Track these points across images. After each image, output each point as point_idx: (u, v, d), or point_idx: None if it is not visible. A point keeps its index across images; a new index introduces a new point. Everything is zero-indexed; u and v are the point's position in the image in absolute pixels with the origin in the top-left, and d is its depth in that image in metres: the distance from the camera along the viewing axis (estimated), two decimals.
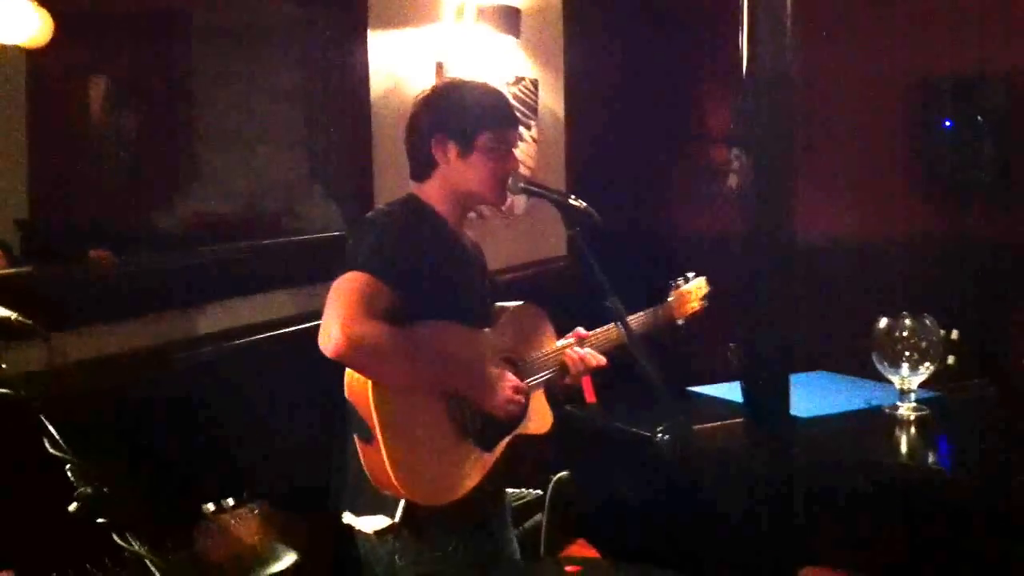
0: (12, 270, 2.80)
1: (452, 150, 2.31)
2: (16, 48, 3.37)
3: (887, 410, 3.13)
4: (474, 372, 2.23)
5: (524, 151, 4.42)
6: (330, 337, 2.01)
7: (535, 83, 4.46)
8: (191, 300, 2.98)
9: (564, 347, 2.50)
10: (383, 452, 2.08)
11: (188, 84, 3.75)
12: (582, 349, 2.48)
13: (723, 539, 2.84)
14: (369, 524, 2.23)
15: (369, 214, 2.31)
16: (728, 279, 4.44)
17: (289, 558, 2.55)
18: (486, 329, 2.35)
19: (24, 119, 3.83)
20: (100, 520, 1.33)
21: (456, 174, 2.32)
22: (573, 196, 2.33)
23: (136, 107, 3.94)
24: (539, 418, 2.41)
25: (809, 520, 2.86)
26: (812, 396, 3.40)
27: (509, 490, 3.41)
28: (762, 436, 2.87)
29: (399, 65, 3.71)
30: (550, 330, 2.50)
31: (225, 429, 2.70)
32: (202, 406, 2.67)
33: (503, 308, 2.44)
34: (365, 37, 3.50)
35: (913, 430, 3.07)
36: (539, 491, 3.41)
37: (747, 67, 2.81)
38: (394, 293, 2.10)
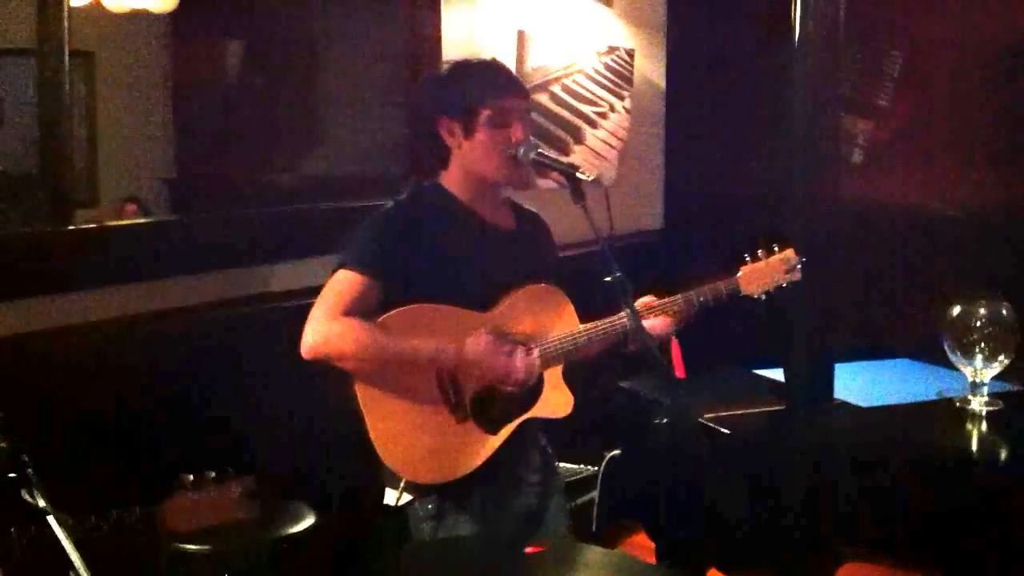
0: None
1: (458, 131, 2.29)
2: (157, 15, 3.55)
3: (957, 403, 2.96)
4: (449, 352, 2.21)
5: (616, 121, 4.36)
6: (304, 342, 2.17)
7: (631, 52, 4.37)
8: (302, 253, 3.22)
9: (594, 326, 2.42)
10: (369, 432, 2.12)
11: (311, 46, 3.86)
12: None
13: (764, 527, 2.76)
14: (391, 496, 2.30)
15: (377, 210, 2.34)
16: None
17: (308, 519, 2.61)
18: (491, 311, 2.32)
19: (169, 84, 4.02)
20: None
21: (467, 155, 2.31)
22: (581, 168, 2.27)
23: (266, 69, 4.08)
24: (554, 401, 2.36)
25: (856, 511, 2.75)
26: (879, 384, 3.24)
27: (564, 465, 3.43)
28: (798, 424, 2.78)
29: (477, 33, 3.70)
30: (569, 310, 2.43)
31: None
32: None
33: (514, 289, 2.39)
34: (438, 5, 3.50)
35: (984, 425, 2.90)
36: (595, 468, 3.38)
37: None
38: (379, 285, 2.19)
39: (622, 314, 2.30)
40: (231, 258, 3.18)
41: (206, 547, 2.27)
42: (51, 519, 1.35)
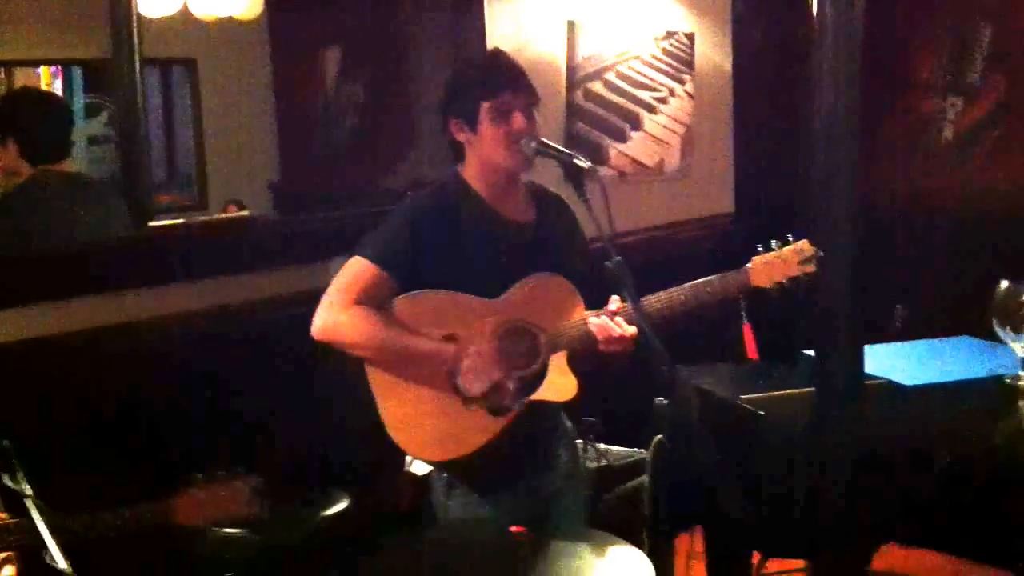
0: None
1: (465, 128, 2.38)
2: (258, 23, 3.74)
3: (1008, 380, 2.89)
4: (448, 355, 2.28)
5: (678, 107, 4.35)
6: (314, 323, 2.29)
7: (690, 36, 4.36)
8: None
9: (589, 316, 2.45)
10: (380, 411, 2.21)
11: (401, 52, 3.99)
12: (599, 320, 2.43)
13: (802, 510, 2.74)
14: (420, 468, 2.41)
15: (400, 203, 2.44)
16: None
17: (342, 503, 2.71)
18: (497, 299, 2.38)
19: (272, 91, 4.20)
20: None
21: (477, 149, 2.39)
22: (579, 157, 2.31)
23: (362, 75, 4.23)
24: (559, 385, 2.41)
25: (895, 495, 2.70)
26: (931, 363, 3.17)
27: (616, 449, 3.45)
28: (827, 407, 2.74)
29: (526, 25, 3.74)
30: (574, 299, 2.47)
31: None
32: None
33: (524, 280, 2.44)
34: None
35: None
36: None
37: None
38: (391, 279, 2.31)
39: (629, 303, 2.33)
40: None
41: (244, 531, 2.38)
42: (29, 503, 1.45)
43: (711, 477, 3.17)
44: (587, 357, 2.43)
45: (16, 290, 2.72)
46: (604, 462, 3.42)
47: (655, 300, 2.41)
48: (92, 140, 4.43)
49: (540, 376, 2.36)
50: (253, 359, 2.95)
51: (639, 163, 4.23)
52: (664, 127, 4.30)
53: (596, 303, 2.49)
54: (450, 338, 2.32)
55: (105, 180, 3.86)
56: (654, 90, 4.24)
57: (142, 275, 3.00)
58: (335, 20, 4.15)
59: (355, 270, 2.31)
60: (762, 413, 2.77)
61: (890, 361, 3.07)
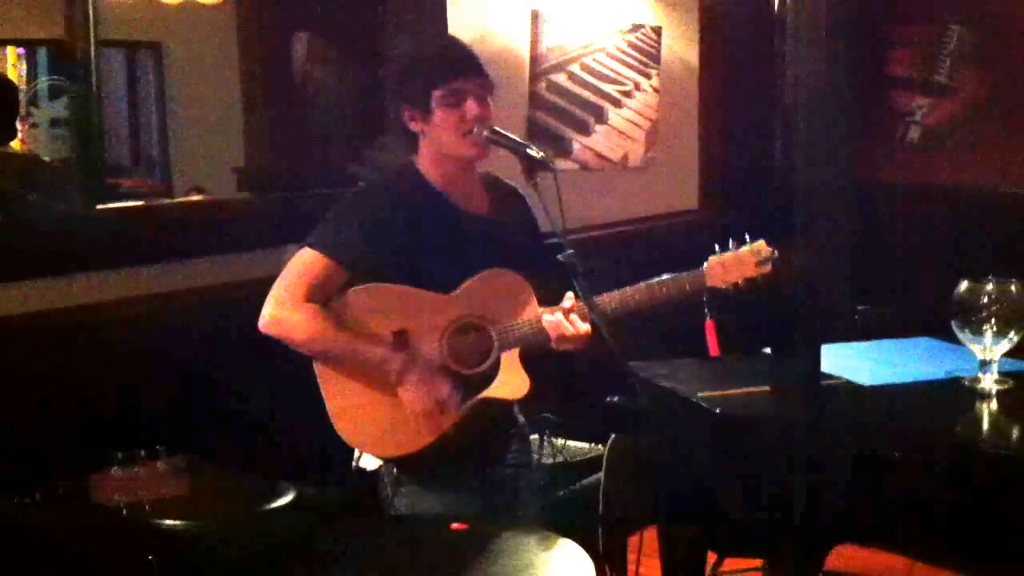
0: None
1: (417, 115, 2.32)
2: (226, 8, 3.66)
3: (966, 382, 2.86)
4: (394, 365, 2.24)
5: (644, 101, 4.31)
6: (262, 315, 2.29)
7: (657, 30, 4.32)
8: None
9: (543, 313, 2.42)
10: (326, 401, 2.16)
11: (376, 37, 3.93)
12: (552, 317, 2.39)
13: (753, 510, 2.72)
14: (370, 462, 2.36)
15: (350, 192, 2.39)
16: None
17: (288, 495, 2.64)
18: (450, 293, 2.34)
19: (239, 77, 4.13)
20: None
21: (430, 138, 2.34)
22: (532, 146, 2.26)
23: (332, 61, 4.17)
24: (511, 383, 2.37)
25: (851, 495, 2.68)
26: (890, 363, 3.15)
27: (574, 444, 3.41)
28: (781, 405, 2.72)
29: (489, 13, 3.69)
30: (528, 296, 2.43)
31: None
32: None
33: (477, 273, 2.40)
34: None
35: (993, 404, 2.80)
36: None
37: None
38: (343, 270, 2.29)
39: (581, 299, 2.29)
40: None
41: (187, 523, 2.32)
42: None
43: (668, 476, 3.15)
44: (542, 356, 2.40)
45: None
46: (560, 458, 3.38)
47: (608, 299, 2.38)
48: (54, 122, 4.37)
49: (492, 373, 2.31)
50: (202, 344, 2.89)
51: (603, 156, 4.19)
52: (629, 121, 4.26)
53: (553, 299, 2.44)
54: (401, 333, 2.28)
55: (54, 162, 3.80)
56: (619, 83, 4.20)
57: (89, 258, 2.94)
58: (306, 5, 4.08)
59: (305, 262, 2.26)
60: (718, 411, 2.74)
61: (849, 361, 3.05)
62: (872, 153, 4.89)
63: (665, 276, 2.47)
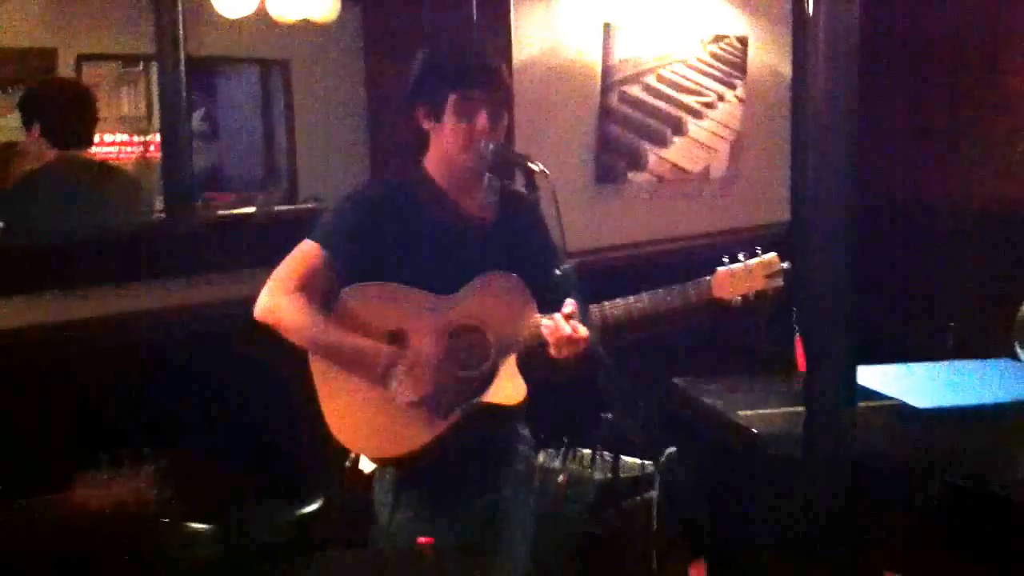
0: None
1: (430, 116, 2.33)
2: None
3: None
4: (381, 360, 2.25)
5: (727, 112, 4.23)
6: (257, 303, 2.26)
7: (743, 40, 4.23)
8: None
9: (542, 318, 2.38)
10: (320, 400, 2.19)
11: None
12: (550, 321, 2.34)
13: (790, 535, 2.63)
14: (367, 465, 2.37)
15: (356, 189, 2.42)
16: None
17: (316, 503, 2.70)
18: (447, 296, 2.33)
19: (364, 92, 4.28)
20: None
21: (438, 141, 2.34)
22: (534, 161, 2.24)
23: None
24: (507, 388, 2.33)
25: (898, 521, 2.56)
26: (957, 385, 3.00)
27: (626, 459, 3.36)
28: (815, 427, 2.62)
29: (559, 26, 3.69)
30: (527, 301, 2.38)
31: None
32: None
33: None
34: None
35: None
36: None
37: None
38: (339, 265, 2.26)
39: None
40: None
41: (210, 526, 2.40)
42: None
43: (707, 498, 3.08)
44: (539, 362, 2.36)
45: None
46: (610, 474, 3.34)
47: (613, 307, 2.33)
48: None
49: (488, 378, 2.30)
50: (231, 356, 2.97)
51: (681, 168, 4.13)
52: (711, 132, 4.18)
53: (556, 308, 2.41)
54: (396, 334, 2.28)
55: (129, 170, 3.96)
56: (700, 95, 4.13)
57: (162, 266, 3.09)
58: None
59: (302, 253, 2.28)
60: (755, 431, 2.67)
61: (912, 382, 2.93)
62: (977, 173, 4.67)
63: (673, 286, 2.40)
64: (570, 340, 2.22)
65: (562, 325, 2.23)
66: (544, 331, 2.26)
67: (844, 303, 2.60)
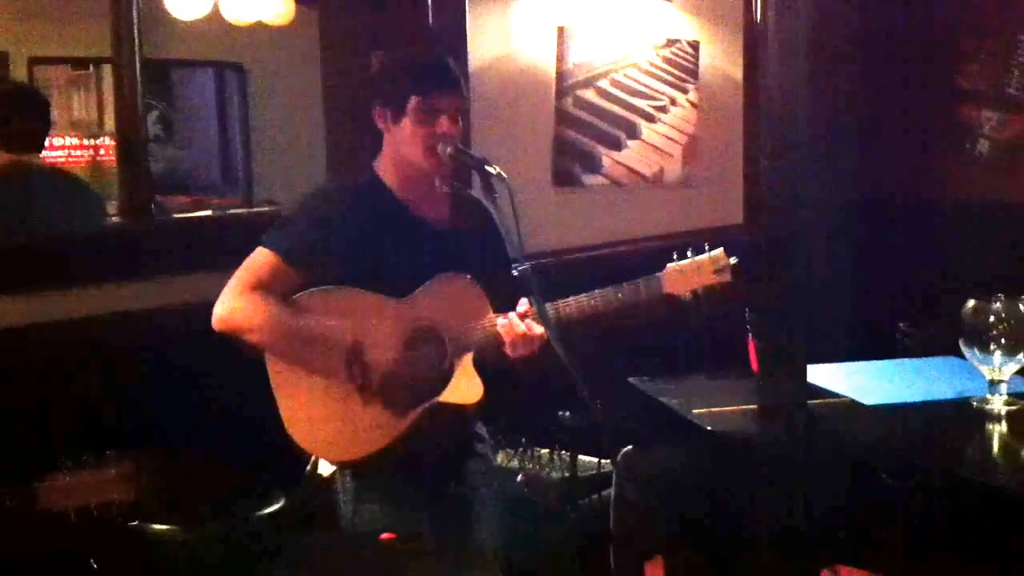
0: None
1: (388, 117, 2.35)
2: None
3: (975, 402, 2.77)
4: (344, 335, 2.26)
5: (680, 115, 4.29)
6: (213, 313, 2.31)
7: (694, 44, 4.29)
8: None
9: (497, 317, 2.42)
10: (279, 404, 2.20)
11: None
12: (505, 320, 2.38)
13: (746, 529, 2.67)
14: (325, 468, 2.39)
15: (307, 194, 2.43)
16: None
17: (277, 503, 2.70)
18: (403, 298, 2.36)
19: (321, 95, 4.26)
20: None
21: (395, 141, 2.37)
22: (490, 163, 2.27)
23: None
24: (464, 388, 2.37)
25: (845, 515, 2.62)
26: (903, 382, 3.07)
27: (583, 458, 3.40)
28: (769, 424, 2.67)
29: (512, 32, 3.72)
30: (481, 301, 2.43)
31: None
32: None
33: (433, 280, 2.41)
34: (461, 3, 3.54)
35: (1002, 426, 2.70)
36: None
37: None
38: (292, 270, 2.29)
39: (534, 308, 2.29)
40: None
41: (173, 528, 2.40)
42: None
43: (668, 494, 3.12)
44: (495, 362, 2.40)
45: None
46: (568, 473, 3.37)
47: (565, 305, 2.38)
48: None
49: (445, 379, 2.33)
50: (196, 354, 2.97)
51: (636, 172, 4.18)
52: (664, 136, 4.23)
53: (510, 308, 2.45)
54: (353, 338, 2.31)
55: (75, 174, 3.94)
56: (653, 98, 4.18)
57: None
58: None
59: (256, 259, 2.31)
60: (709, 428, 2.72)
61: (858, 379, 2.99)
62: (938, 169, 4.76)
63: (624, 283, 2.45)
64: (525, 338, 2.27)
65: (516, 324, 2.27)
66: (500, 330, 2.31)
67: (796, 304, 2.66)
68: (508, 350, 2.35)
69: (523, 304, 2.29)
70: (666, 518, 3.16)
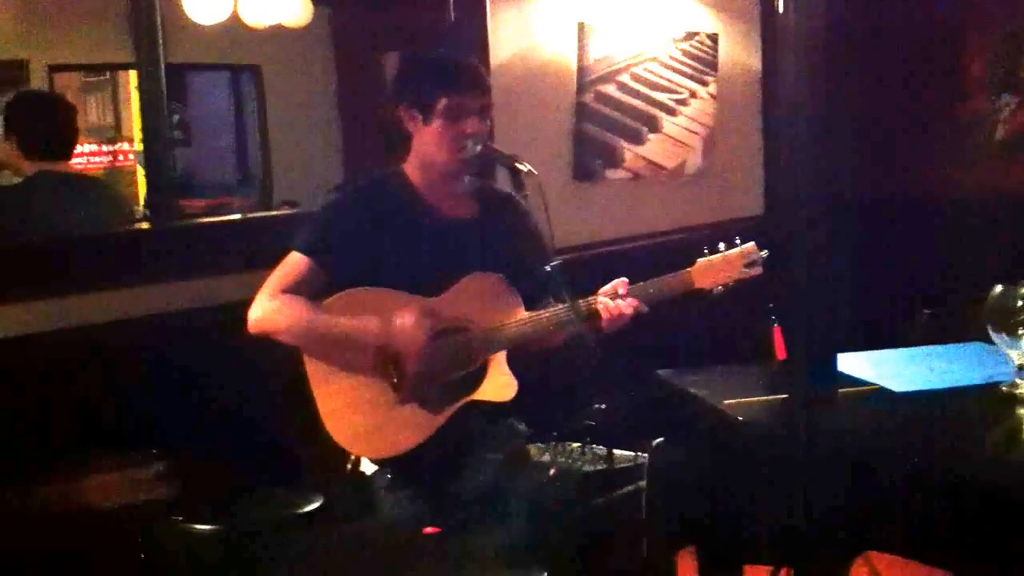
0: None
1: (417, 118, 2.37)
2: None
3: (1003, 388, 2.78)
4: (373, 328, 2.28)
5: (700, 108, 4.29)
6: (248, 317, 2.35)
7: (713, 37, 4.29)
8: None
9: (548, 309, 2.43)
10: (316, 401, 2.23)
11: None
12: (605, 299, 2.40)
13: (775, 519, 2.68)
14: (367, 466, 2.42)
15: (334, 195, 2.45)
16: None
17: (316, 502, 2.73)
18: (433, 297, 2.37)
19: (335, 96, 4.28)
20: None
21: (422, 143, 2.38)
22: (520, 160, 2.29)
23: None
24: (498, 385, 2.39)
25: (878, 502, 2.62)
26: (931, 369, 3.07)
27: (617, 452, 3.41)
28: (795, 413, 2.67)
29: (534, 26, 3.73)
30: (512, 298, 2.44)
31: None
32: None
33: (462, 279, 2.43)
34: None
35: None
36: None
37: None
38: (323, 271, 2.33)
39: (567, 305, 2.31)
40: None
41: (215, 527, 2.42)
42: None
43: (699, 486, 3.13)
44: (528, 358, 2.42)
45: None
46: (602, 465, 3.39)
47: (596, 301, 2.39)
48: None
49: (479, 377, 2.35)
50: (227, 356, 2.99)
51: (657, 165, 4.19)
52: (684, 129, 4.24)
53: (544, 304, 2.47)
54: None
55: (103, 179, 3.96)
56: (673, 92, 4.19)
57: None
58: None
59: (287, 262, 2.34)
60: (741, 419, 2.72)
61: (888, 367, 2.99)
62: (946, 160, 4.76)
63: (653, 279, 2.47)
64: (622, 316, 2.31)
65: (612, 304, 2.33)
66: (600, 308, 2.35)
67: (821, 292, 2.66)
68: (605, 327, 2.38)
69: (622, 285, 2.34)
70: (696, 509, 3.17)
